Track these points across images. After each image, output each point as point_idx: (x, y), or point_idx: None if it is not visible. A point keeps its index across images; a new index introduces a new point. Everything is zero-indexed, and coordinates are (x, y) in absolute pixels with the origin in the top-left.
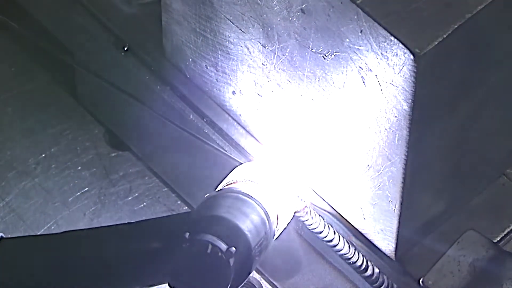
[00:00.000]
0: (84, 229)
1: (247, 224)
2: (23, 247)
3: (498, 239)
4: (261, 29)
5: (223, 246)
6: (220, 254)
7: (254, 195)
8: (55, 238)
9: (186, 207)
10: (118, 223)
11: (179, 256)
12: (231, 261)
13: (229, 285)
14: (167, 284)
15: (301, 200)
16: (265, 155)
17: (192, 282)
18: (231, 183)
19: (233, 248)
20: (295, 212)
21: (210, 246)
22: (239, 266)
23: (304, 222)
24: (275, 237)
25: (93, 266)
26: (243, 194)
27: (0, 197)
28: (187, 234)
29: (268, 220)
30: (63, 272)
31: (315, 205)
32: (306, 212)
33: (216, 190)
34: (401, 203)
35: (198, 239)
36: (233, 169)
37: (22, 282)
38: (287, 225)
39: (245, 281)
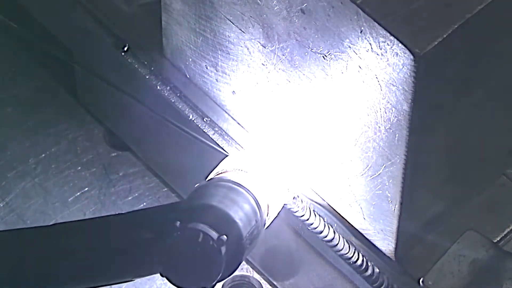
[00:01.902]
0: (75, 221)
1: (238, 213)
2: (13, 239)
3: (498, 239)
4: (261, 29)
5: (214, 234)
6: (211, 242)
7: (245, 184)
8: (46, 230)
9: None
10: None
11: (170, 245)
12: (223, 249)
13: (220, 274)
14: (159, 273)
15: (292, 192)
16: (257, 147)
17: (184, 271)
18: (221, 173)
19: (224, 236)
20: (285, 203)
21: (201, 235)
22: (231, 254)
23: (295, 213)
24: (266, 226)
25: (84, 257)
26: (234, 183)
27: (0, 197)
28: (178, 223)
29: (259, 209)
30: (53, 263)
31: (314, 202)
32: (295, 203)
33: (206, 180)
34: (401, 203)
35: (189, 228)
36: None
37: (13, 274)
38: (277, 215)
39: (236, 269)
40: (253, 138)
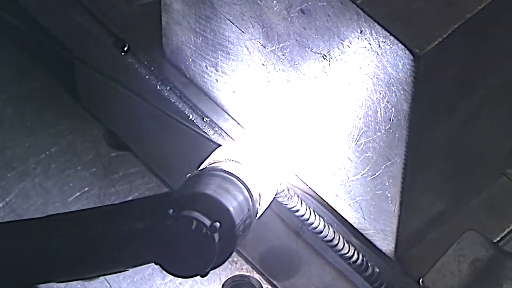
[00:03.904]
0: (68, 212)
1: (230, 201)
2: (5, 231)
3: (498, 239)
4: (261, 29)
5: (207, 221)
6: (204, 229)
7: (237, 174)
8: (39, 222)
9: None
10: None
11: (163, 233)
12: (216, 236)
13: (213, 261)
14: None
15: (283, 184)
16: (249, 138)
17: (177, 259)
18: (213, 163)
19: (217, 223)
20: (276, 194)
21: (194, 222)
22: (224, 241)
23: (295, 213)
24: (258, 216)
25: (78, 249)
26: (226, 172)
27: (0, 197)
28: (171, 211)
29: (251, 198)
30: (46, 254)
31: (314, 202)
32: (286, 195)
33: (198, 170)
34: (401, 203)
35: (182, 215)
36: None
37: (5, 265)
38: (269, 205)
39: (229, 257)
40: (252, 136)
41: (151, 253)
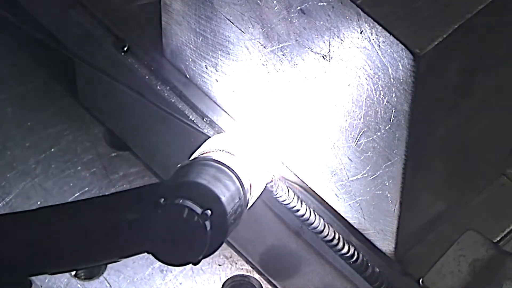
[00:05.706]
0: (60, 204)
1: (221, 189)
2: None
3: (498, 239)
4: (261, 29)
5: (199, 210)
6: (196, 217)
7: (227, 163)
8: (31, 214)
9: None
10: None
11: (155, 222)
12: (207, 224)
13: (205, 249)
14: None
15: (273, 174)
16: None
17: (170, 247)
18: (204, 153)
19: (209, 211)
20: (286, 204)
21: (186, 210)
22: (215, 230)
23: (295, 213)
24: (248, 206)
25: (70, 240)
26: (216, 161)
27: (0, 197)
28: (162, 200)
29: (242, 187)
30: (39, 246)
31: (315, 202)
32: (296, 203)
33: (189, 160)
34: (401, 203)
35: (173, 204)
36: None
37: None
38: (260, 195)
39: (221, 246)
40: (243, 128)
41: (143, 242)
